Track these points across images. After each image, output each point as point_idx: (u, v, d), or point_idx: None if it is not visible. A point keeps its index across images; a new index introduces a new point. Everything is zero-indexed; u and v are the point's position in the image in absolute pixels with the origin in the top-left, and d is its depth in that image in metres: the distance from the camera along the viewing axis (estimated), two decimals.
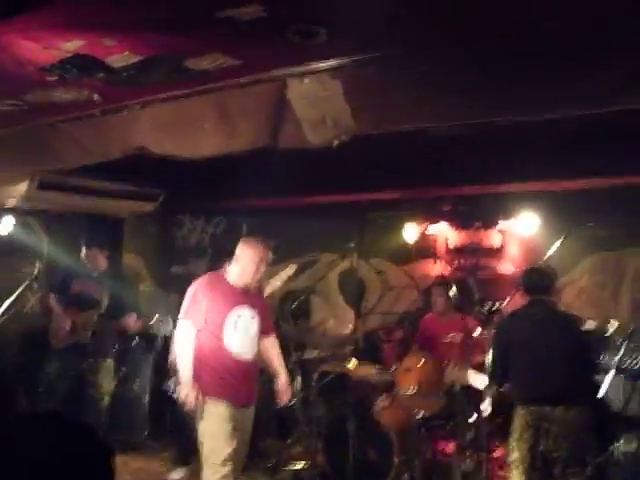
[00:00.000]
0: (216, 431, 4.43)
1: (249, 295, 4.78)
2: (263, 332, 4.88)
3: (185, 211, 8.66)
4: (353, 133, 3.83)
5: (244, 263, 4.72)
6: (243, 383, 4.62)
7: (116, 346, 6.39)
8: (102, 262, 6.40)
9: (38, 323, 6.82)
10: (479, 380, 5.04)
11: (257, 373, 4.89)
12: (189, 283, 8.34)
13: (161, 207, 7.88)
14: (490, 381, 4.80)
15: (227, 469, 4.42)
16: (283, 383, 4.90)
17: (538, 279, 4.66)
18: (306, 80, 3.75)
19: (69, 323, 6.16)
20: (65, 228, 7.40)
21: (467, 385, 5.30)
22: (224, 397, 4.52)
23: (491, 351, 4.84)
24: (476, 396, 5.64)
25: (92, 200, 7.03)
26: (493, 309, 4.59)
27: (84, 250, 6.32)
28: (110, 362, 6.30)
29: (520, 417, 4.52)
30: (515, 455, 4.53)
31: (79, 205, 7.05)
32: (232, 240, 8.28)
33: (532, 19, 2.90)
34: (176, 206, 8.26)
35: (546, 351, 4.47)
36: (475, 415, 5.52)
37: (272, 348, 5.04)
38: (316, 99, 3.78)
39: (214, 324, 4.56)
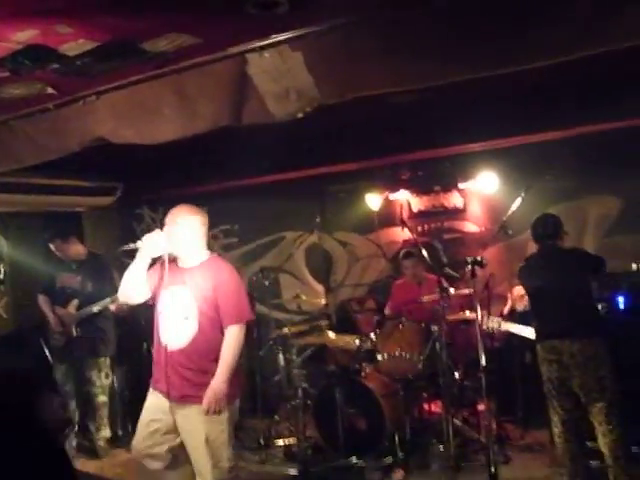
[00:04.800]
0: None
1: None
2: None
3: (143, 203, 8.56)
4: (318, 104, 3.83)
5: None
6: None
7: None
8: (74, 251, 6.26)
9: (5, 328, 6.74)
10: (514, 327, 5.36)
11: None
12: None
13: (119, 201, 7.80)
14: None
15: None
16: (210, 387, 3.94)
17: (541, 227, 4.91)
18: (266, 54, 3.74)
19: (57, 322, 6.08)
20: (24, 227, 7.25)
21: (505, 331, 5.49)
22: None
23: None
24: (458, 353, 5.77)
25: (50, 198, 6.92)
26: (476, 261, 4.71)
27: (51, 245, 6.19)
28: (104, 359, 6.20)
29: (539, 353, 4.79)
30: (545, 388, 4.80)
31: (36, 204, 6.92)
32: None
33: None
34: (134, 198, 8.16)
35: (553, 290, 4.71)
36: (458, 371, 5.67)
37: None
38: (278, 72, 3.77)
39: None
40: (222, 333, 4.02)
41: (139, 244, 3.91)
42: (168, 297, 4.03)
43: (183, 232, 4.02)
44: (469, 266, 4.72)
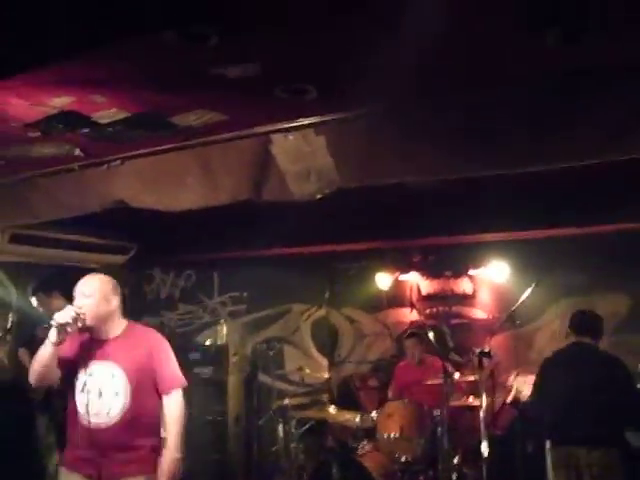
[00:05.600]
0: None
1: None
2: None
3: (155, 265, 8.66)
4: (337, 187, 3.92)
5: None
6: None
7: None
8: (56, 306, 6.21)
9: (8, 377, 6.70)
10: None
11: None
12: (161, 333, 8.36)
13: (132, 260, 7.88)
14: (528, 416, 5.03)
15: None
16: (165, 460, 3.72)
17: (586, 320, 4.85)
18: (290, 136, 3.87)
19: None
20: (34, 279, 7.30)
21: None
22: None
23: (532, 387, 5.01)
24: (459, 438, 5.71)
25: (63, 252, 7.00)
26: (484, 352, 4.72)
27: (33, 298, 6.16)
28: None
29: (551, 456, 4.69)
30: None
31: (49, 257, 6.99)
32: (204, 291, 8.44)
33: (515, 74, 3.04)
34: (147, 259, 8.26)
35: (577, 393, 4.59)
36: (458, 457, 5.60)
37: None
38: (300, 154, 3.89)
39: None
40: (155, 404, 3.79)
41: (53, 322, 3.53)
42: (90, 374, 3.70)
43: (96, 304, 3.69)
44: (476, 357, 4.72)
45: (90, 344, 3.76)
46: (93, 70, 3.22)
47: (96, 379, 3.69)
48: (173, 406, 3.79)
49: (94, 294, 3.70)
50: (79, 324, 3.59)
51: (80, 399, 3.71)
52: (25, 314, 6.80)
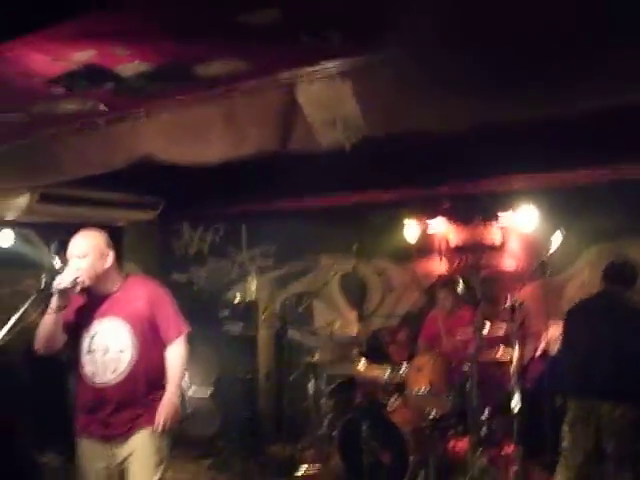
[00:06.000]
0: None
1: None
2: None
3: (183, 220, 8.69)
4: (363, 134, 3.86)
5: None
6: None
7: None
8: None
9: None
10: None
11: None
12: (190, 290, 8.43)
13: (160, 216, 7.91)
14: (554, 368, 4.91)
15: None
16: (164, 403, 3.72)
17: (617, 268, 4.72)
18: (316, 83, 3.78)
19: None
20: (65, 239, 7.36)
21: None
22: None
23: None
24: (488, 393, 5.70)
25: (91, 210, 7.03)
26: (515, 303, 4.64)
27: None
28: None
29: (570, 410, 4.60)
30: (565, 445, 4.62)
31: (78, 215, 7.03)
32: (232, 246, 8.46)
33: (542, 17, 2.94)
34: (175, 215, 8.29)
35: (600, 345, 4.46)
36: (487, 412, 5.58)
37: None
38: (326, 101, 3.81)
39: None
40: (161, 354, 3.79)
41: (52, 289, 3.52)
42: (94, 333, 3.70)
43: (93, 263, 3.66)
44: (508, 308, 4.64)
45: (91, 302, 3.75)
46: (114, 22, 3.17)
47: (100, 337, 3.69)
48: (176, 353, 3.80)
49: (89, 253, 3.67)
50: (78, 287, 3.57)
51: (86, 360, 3.71)
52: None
